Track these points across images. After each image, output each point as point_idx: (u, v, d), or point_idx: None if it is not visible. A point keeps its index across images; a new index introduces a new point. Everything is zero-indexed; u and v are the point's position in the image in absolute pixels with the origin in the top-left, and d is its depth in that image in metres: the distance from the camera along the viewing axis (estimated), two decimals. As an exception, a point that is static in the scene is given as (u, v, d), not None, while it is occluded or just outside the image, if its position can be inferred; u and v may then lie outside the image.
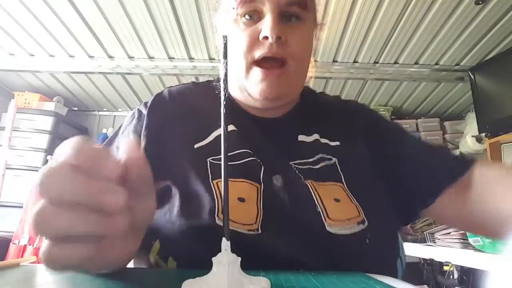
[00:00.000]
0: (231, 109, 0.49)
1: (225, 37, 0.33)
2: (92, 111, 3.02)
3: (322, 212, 0.42)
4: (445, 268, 1.56)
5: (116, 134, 0.54)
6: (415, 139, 0.57)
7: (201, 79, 2.60)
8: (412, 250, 1.44)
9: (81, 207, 0.21)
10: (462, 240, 1.23)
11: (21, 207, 2.05)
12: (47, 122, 2.49)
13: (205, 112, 0.52)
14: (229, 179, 0.41)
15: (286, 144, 0.51)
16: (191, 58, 2.20)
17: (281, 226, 0.41)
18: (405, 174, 0.51)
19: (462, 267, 1.36)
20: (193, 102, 0.55)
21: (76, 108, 2.97)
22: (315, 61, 2.23)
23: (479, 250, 1.11)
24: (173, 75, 2.38)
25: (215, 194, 0.42)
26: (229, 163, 0.44)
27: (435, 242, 1.41)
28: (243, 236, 0.39)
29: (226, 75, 0.32)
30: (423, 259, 1.65)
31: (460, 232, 1.24)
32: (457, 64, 2.22)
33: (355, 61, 2.22)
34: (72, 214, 0.21)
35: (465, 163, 0.50)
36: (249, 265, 0.32)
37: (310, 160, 0.49)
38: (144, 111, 0.52)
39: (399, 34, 1.92)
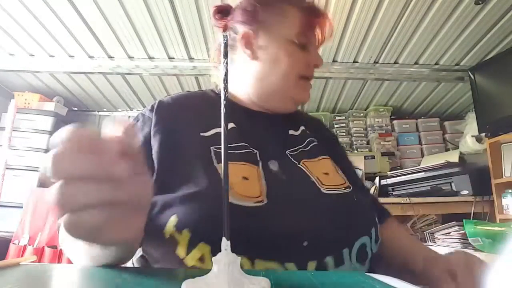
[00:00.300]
0: (231, 109, 0.54)
1: (225, 37, 0.33)
2: (92, 111, 3.02)
3: (316, 181, 0.52)
4: (445, 268, 1.56)
5: None
6: (354, 171, 0.73)
7: (201, 79, 2.61)
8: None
9: (93, 180, 0.24)
10: (462, 240, 1.23)
11: (21, 207, 2.05)
12: (47, 122, 2.49)
13: (205, 112, 0.59)
14: (230, 162, 0.51)
15: (280, 136, 0.61)
16: (191, 58, 2.20)
17: (283, 196, 0.48)
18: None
19: (462, 267, 1.36)
20: (193, 104, 0.62)
21: (76, 108, 2.97)
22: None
23: (479, 250, 1.11)
24: (173, 75, 2.38)
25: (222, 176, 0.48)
26: (230, 151, 0.53)
27: (435, 242, 1.41)
28: (250, 209, 0.44)
29: (226, 75, 0.32)
30: (423, 259, 1.64)
31: (460, 232, 1.24)
32: (457, 64, 2.22)
33: (355, 61, 2.22)
34: (89, 185, 0.24)
35: (386, 211, 0.67)
36: (256, 236, 0.39)
37: (302, 145, 0.61)
38: (149, 114, 0.57)
39: (399, 34, 1.92)
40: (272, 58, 0.60)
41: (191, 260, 0.43)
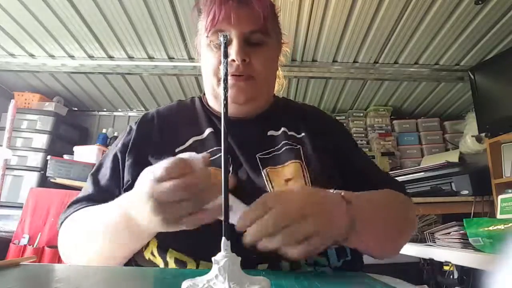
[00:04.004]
0: (208, 115, 0.65)
1: (225, 37, 0.33)
2: (92, 111, 3.02)
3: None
4: (445, 268, 1.56)
5: (114, 146, 0.64)
6: (359, 150, 0.70)
7: (201, 79, 2.61)
8: (412, 250, 1.44)
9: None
10: (462, 240, 1.23)
11: (21, 207, 2.05)
12: (47, 122, 2.49)
13: (185, 123, 0.63)
14: None
15: (256, 139, 0.61)
16: (191, 58, 2.20)
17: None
18: (351, 173, 0.61)
19: (462, 267, 1.36)
20: (176, 117, 0.66)
21: (76, 108, 2.97)
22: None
23: (479, 250, 1.11)
24: (173, 75, 2.37)
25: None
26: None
27: (435, 242, 1.41)
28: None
29: (226, 74, 0.32)
30: (423, 259, 1.65)
31: (460, 232, 1.24)
32: (457, 64, 2.22)
33: (355, 61, 2.22)
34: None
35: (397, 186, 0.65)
36: (204, 240, 0.41)
37: (276, 148, 0.60)
38: (134, 127, 0.63)
39: (399, 34, 1.92)
40: (202, 68, 0.63)
41: (147, 253, 0.51)
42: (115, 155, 0.60)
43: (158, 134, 0.62)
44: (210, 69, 0.59)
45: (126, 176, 0.57)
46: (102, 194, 0.57)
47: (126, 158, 0.58)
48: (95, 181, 0.60)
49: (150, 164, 0.55)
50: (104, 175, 0.60)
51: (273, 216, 0.37)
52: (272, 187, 0.53)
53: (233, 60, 0.55)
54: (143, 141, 0.60)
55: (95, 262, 0.48)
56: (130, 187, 0.52)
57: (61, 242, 0.55)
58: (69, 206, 0.58)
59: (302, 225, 0.37)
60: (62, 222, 0.57)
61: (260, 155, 0.58)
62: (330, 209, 0.41)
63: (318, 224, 0.38)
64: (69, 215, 0.56)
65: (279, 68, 0.71)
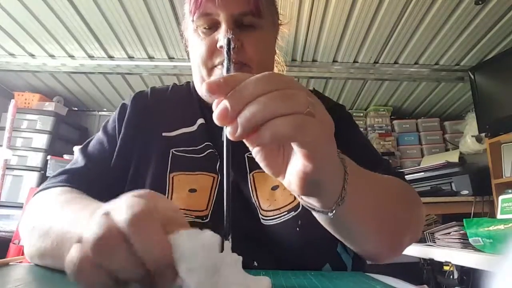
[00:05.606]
0: (200, 104, 0.60)
1: (229, 40, 0.33)
2: (92, 111, 3.02)
3: (257, 207, 0.48)
4: (445, 268, 1.56)
5: (107, 122, 0.61)
6: (361, 139, 0.60)
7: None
8: (412, 250, 1.44)
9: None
10: (462, 240, 1.23)
11: (21, 207, 2.05)
12: (47, 122, 2.49)
13: (177, 108, 0.60)
14: (186, 173, 0.51)
15: None
16: (191, 58, 2.20)
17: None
18: None
19: (462, 267, 1.36)
20: (169, 100, 0.62)
21: (76, 108, 2.97)
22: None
23: (479, 250, 1.11)
24: (173, 75, 2.38)
25: (167, 187, 0.48)
26: (190, 155, 0.52)
27: (435, 242, 1.41)
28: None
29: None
30: (423, 259, 1.64)
31: (460, 232, 1.24)
32: (457, 64, 2.22)
33: (355, 61, 2.22)
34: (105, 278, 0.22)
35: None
36: None
37: None
38: (128, 103, 0.60)
39: (399, 34, 1.92)
40: (190, 55, 0.57)
41: None
42: (113, 128, 0.57)
43: (149, 115, 0.58)
44: (198, 58, 0.53)
45: (113, 158, 0.53)
46: (94, 168, 0.52)
47: (120, 137, 0.55)
48: (85, 154, 0.54)
49: (136, 147, 0.54)
50: (97, 148, 0.55)
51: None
52: (257, 196, 0.49)
53: (222, 47, 0.49)
54: (135, 120, 0.57)
55: (36, 252, 0.38)
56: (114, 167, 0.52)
57: (23, 218, 0.46)
58: (55, 176, 0.52)
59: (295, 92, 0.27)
60: (37, 193, 0.49)
61: (249, 154, 0.52)
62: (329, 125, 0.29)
63: (317, 107, 0.27)
64: (47, 188, 0.49)
65: (278, 52, 0.64)
